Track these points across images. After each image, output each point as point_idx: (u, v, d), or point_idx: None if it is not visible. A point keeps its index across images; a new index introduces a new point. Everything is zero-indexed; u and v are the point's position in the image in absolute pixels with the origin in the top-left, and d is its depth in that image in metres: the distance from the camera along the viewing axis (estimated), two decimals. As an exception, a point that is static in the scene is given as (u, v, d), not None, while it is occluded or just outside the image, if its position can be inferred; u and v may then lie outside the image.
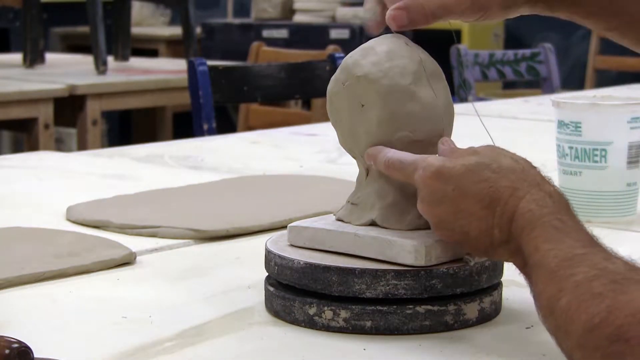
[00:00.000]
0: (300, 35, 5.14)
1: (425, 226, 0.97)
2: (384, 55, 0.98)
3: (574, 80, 5.14)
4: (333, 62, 2.75)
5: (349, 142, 1.01)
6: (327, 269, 0.94)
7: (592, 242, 0.82)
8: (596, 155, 1.31)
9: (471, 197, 0.89)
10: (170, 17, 6.38)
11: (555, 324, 0.79)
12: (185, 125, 3.59)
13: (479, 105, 2.94)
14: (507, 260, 0.91)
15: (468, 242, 0.91)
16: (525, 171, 0.89)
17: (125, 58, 4.18)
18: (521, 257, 0.86)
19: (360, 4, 5.41)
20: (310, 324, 0.95)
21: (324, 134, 2.11)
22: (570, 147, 1.33)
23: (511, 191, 0.87)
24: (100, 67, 3.72)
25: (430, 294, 0.93)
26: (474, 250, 0.92)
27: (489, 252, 0.90)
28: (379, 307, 0.93)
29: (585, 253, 0.80)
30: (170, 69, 4.04)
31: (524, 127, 2.27)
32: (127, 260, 1.17)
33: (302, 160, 1.83)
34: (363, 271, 0.93)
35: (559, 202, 0.87)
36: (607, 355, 0.72)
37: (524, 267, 0.87)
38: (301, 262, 0.96)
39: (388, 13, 0.98)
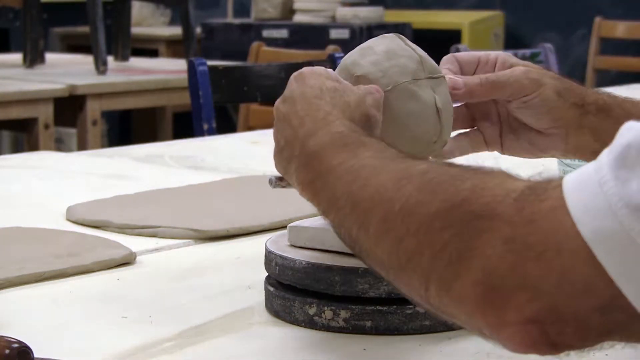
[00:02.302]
0: (300, 35, 5.13)
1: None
2: (383, 55, 0.98)
3: (574, 80, 5.13)
4: (333, 62, 2.75)
5: (349, 142, 1.01)
6: (329, 269, 0.94)
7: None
8: (596, 155, 1.31)
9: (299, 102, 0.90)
10: (170, 17, 6.38)
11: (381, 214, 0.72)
12: (185, 125, 3.59)
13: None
14: (295, 182, 0.88)
15: (277, 152, 0.93)
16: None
17: (125, 58, 4.18)
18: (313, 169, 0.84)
19: (360, 4, 5.42)
20: (310, 324, 0.95)
21: (324, 134, 2.11)
22: (571, 147, 1.33)
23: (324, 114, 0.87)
24: (100, 67, 3.72)
25: (431, 294, 0.93)
26: (278, 161, 0.92)
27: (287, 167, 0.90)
28: (379, 307, 0.93)
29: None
30: (170, 69, 4.03)
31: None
32: (127, 260, 1.17)
33: (302, 160, 1.83)
34: (366, 271, 0.93)
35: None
36: (461, 233, 0.65)
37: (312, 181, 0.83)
38: (303, 262, 0.96)
39: (448, 77, 1.00)
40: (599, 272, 0.61)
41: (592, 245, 0.61)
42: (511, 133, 1.05)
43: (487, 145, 1.07)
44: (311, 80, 0.91)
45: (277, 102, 0.94)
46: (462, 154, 1.07)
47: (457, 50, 3.48)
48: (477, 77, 1.02)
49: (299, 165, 0.86)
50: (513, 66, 1.03)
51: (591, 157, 1.00)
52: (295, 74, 0.93)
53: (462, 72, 1.04)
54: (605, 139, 0.97)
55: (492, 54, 1.05)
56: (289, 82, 0.93)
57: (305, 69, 0.93)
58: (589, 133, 1.01)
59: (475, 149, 1.07)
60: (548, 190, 0.64)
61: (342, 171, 0.79)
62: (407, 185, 0.71)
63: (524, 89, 1.01)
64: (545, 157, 1.05)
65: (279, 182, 0.95)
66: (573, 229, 0.61)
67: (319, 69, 0.93)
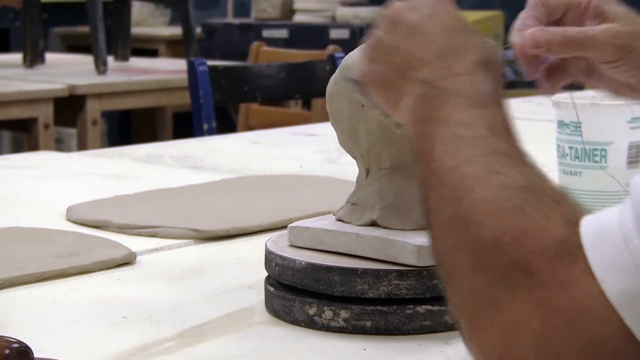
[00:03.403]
0: (300, 35, 5.13)
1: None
2: (384, 55, 0.97)
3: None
4: (333, 62, 2.75)
5: (349, 143, 1.01)
6: (329, 269, 0.94)
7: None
8: (596, 155, 1.31)
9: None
10: (170, 17, 6.38)
11: (453, 207, 0.68)
12: (185, 125, 3.59)
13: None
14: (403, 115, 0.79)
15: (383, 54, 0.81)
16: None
17: (125, 58, 4.18)
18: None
19: (360, 4, 5.42)
20: (310, 324, 0.95)
21: (324, 134, 2.11)
22: (570, 147, 1.33)
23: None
24: (100, 67, 3.72)
25: (432, 294, 0.93)
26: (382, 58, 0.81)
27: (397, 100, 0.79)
28: (379, 307, 0.93)
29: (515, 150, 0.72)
30: (170, 69, 4.03)
31: (524, 127, 2.27)
32: (127, 260, 1.17)
33: (302, 160, 1.83)
34: (365, 271, 0.93)
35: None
36: (497, 279, 0.63)
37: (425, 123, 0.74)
38: (303, 263, 0.96)
39: (529, 31, 0.95)
40: (627, 337, 0.59)
41: (619, 308, 0.59)
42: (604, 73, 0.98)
43: (582, 75, 1.00)
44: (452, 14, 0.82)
45: (401, 5, 0.81)
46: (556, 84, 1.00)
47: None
48: (560, 33, 0.94)
49: (423, 93, 0.76)
50: (606, 17, 0.95)
51: None
52: None
53: (549, 16, 0.97)
54: None
55: None
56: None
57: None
58: None
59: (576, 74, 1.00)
60: (581, 248, 0.62)
61: (450, 136, 0.72)
62: (481, 192, 0.67)
63: (609, 55, 0.95)
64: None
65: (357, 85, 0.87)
66: (600, 293, 0.60)
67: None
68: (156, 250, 1.24)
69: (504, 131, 0.73)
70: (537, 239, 0.63)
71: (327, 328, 0.94)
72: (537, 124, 2.32)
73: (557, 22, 0.98)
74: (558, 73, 1.02)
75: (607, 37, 0.94)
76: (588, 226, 0.62)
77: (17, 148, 4.80)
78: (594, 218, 0.63)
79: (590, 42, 0.94)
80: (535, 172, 0.69)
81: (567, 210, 0.65)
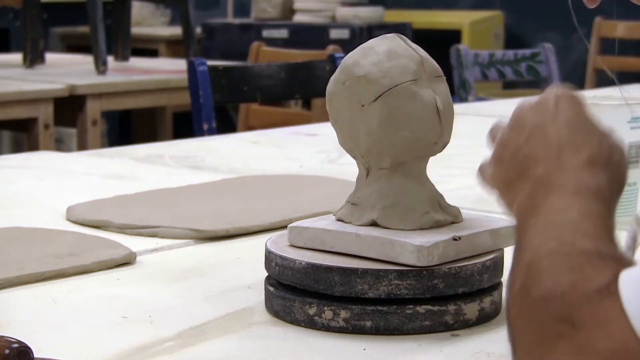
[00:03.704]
0: (300, 35, 5.14)
1: (427, 226, 0.97)
2: (383, 55, 0.98)
3: (574, 80, 5.12)
4: (333, 62, 2.75)
5: (349, 142, 1.01)
6: (329, 269, 0.94)
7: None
8: (596, 155, 1.31)
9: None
10: (170, 17, 6.38)
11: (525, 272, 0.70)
12: (185, 125, 3.59)
13: (479, 105, 2.94)
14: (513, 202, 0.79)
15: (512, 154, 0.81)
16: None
17: (125, 58, 4.18)
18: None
19: (360, 4, 5.42)
20: (310, 324, 0.95)
21: (324, 134, 2.11)
22: (571, 147, 1.33)
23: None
24: (100, 67, 3.72)
25: (432, 294, 0.93)
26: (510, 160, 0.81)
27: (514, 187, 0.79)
28: (379, 307, 0.93)
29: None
30: (170, 69, 4.03)
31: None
32: (127, 260, 1.17)
33: (302, 160, 1.83)
34: (365, 271, 0.93)
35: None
36: (544, 335, 0.66)
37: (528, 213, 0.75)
38: (303, 263, 0.96)
39: None
40: None
41: None
42: None
43: None
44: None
45: (527, 105, 0.82)
46: None
47: (457, 50, 3.48)
48: None
49: (531, 189, 0.77)
50: None
51: None
52: (571, 96, 0.82)
53: None
54: None
55: None
56: (557, 98, 0.81)
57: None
58: None
59: None
60: (619, 290, 0.64)
61: (542, 224, 0.73)
62: (547, 260, 0.69)
63: None
64: None
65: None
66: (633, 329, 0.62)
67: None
68: (156, 250, 1.24)
69: (592, 222, 0.73)
70: (584, 290, 0.66)
71: (327, 328, 0.94)
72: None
73: None
74: None
75: None
76: (627, 271, 0.65)
77: (17, 148, 4.80)
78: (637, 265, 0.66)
79: None
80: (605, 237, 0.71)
81: (617, 264, 0.67)
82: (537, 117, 0.80)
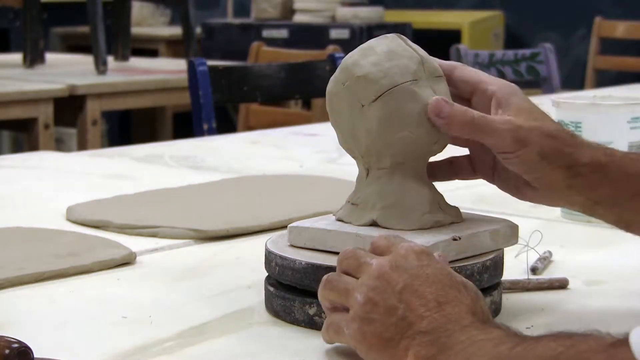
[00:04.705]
0: (300, 35, 5.14)
1: (427, 226, 0.97)
2: (383, 55, 0.98)
3: (574, 80, 5.14)
4: (333, 62, 2.75)
5: (349, 142, 1.00)
6: (329, 269, 0.94)
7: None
8: (596, 155, 1.31)
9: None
10: (170, 17, 6.38)
11: None
12: (185, 125, 3.60)
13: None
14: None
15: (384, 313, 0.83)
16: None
17: (125, 58, 4.18)
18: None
19: (360, 4, 5.42)
20: (310, 324, 0.95)
21: (324, 134, 2.11)
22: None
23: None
24: (100, 67, 3.72)
25: (431, 294, 0.93)
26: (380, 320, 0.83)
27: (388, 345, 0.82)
28: (379, 307, 0.93)
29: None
30: (170, 69, 4.03)
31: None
32: (127, 260, 1.17)
33: (302, 160, 1.83)
34: (363, 271, 0.93)
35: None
36: None
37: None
38: (303, 263, 0.96)
39: (436, 97, 0.96)
40: None
41: None
42: (503, 170, 1.00)
43: (475, 173, 1.03)
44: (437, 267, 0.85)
45: (383, 264, 0.85)
46: (444, 179, 1.04)
47: (457, 50, 3.48)
48: (463, 112, 0.95)
49: (427, 340, 0.79)
50: (508, 109, 0.96)
51: (587, 211, 0.99)
52: (420, 250, 0.86)
53: (460, 93, 1.00)
54: (600, 200, 0.97)
55: (492, 87, 0.99)
56: (413, 254, 0.85)
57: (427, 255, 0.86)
58: (579, 193, 0.96)
59: (461, 176, 1.04)
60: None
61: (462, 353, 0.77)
62: None
63: (504, 147, 0.95)
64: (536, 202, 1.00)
65: None
66: None
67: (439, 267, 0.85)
68: (156, 250, 1.24)
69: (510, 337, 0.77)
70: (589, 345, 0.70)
71: (327, 328, 0.94)
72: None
73: (467, 103, 1.00)
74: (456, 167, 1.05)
75: (507, 130, 0.95)
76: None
77: (17, 148, 4.80)
78: None
79: (489, 128, 0.95)
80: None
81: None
82: (402, 276, 0.83)
